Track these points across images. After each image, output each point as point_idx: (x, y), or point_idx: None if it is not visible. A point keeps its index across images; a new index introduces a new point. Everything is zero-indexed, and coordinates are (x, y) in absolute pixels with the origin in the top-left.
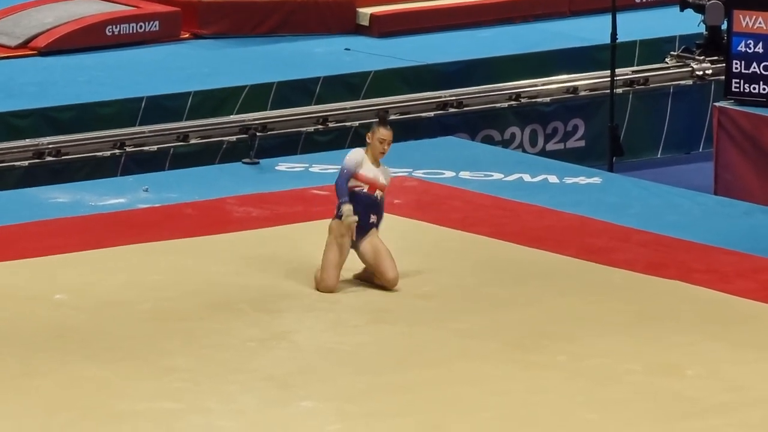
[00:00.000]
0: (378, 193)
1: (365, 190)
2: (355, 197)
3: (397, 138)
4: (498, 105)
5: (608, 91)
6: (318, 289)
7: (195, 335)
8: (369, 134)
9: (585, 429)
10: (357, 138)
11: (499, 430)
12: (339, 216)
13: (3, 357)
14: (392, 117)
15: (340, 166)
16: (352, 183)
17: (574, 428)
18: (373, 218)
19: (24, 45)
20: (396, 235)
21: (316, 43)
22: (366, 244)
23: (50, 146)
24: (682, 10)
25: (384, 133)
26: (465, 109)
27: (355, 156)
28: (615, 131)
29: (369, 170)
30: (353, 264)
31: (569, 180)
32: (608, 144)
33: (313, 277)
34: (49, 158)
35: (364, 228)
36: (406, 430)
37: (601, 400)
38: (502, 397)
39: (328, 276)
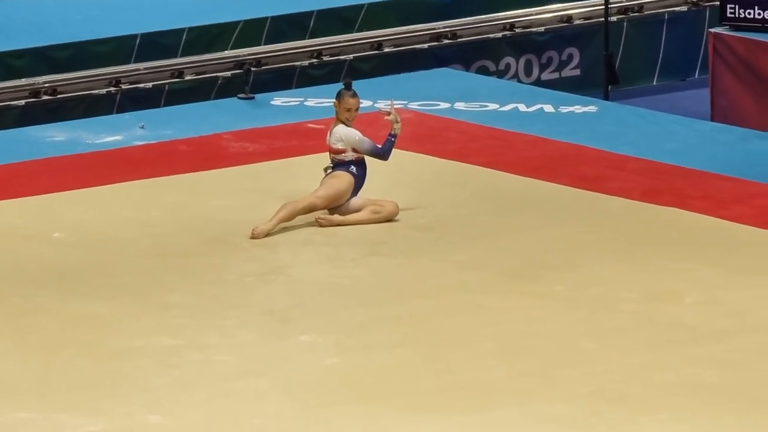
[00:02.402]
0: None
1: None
2: (361, 164)
3: (392, 71)
4: (492, 35)
5: (603, 19)
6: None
7: (193, 271)
8: (336, 102)
9: (584, 358)
10: (351, 71)
11: (498, 360)
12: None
13: (3, 295)
14: (386, 49)
15: (349, 136)
16: (355, 155)
17: (572, 357)
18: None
19: None
20: (392, 167)
21: None
22: (355, 198)
23: (46, 85)
24: None
25: (351, 102)
26: (459, 40)
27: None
28: (610, 59)
29: None
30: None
31: (565, 109)
32: (603, 72)
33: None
34: (45, 97)
35: (356, 191)
36: (405, 362)
37: (600, 328)
38: (501, 327)
39: (298, 206)
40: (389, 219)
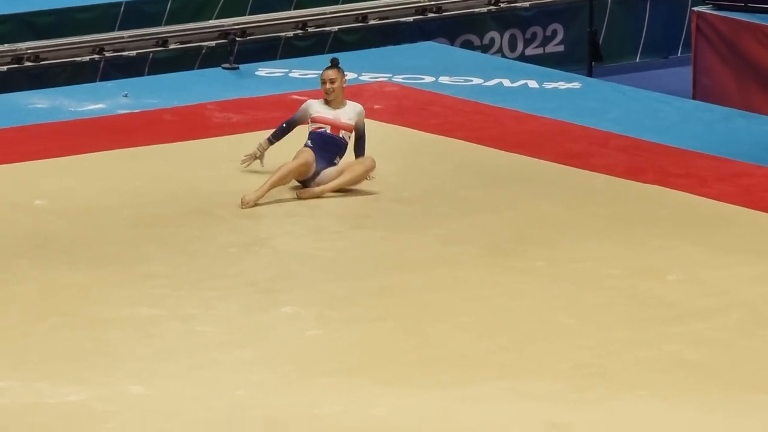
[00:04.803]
0: (343, 133)
1: (328, 131)
2: (314, 136)
3: (377, 43)
4: (477, 10)
5: None
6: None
7: (175, 241)
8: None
9: (565, 333)
10: (336, 43)
11: (479, 334)
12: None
13: None
14: (372, 22)
15: (318, 73)
16: (312, 126)
17: (553, 333)
18: (336, 159)
19: None
20: (376, 140)
21: None
22: (331, 169)
23: (29, 51)
24: None
25: (326, 73)
26: (444, 14)
27: (304, 105)
28: (594, 36)
29: (324, 111)
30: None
31: (549, 85)
32: (587, 49)
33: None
34: (27, 63)
35: (326, 166)
36: (386, 335)
37: (581, 304)
38: (482, 302)
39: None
40: (368, 172)
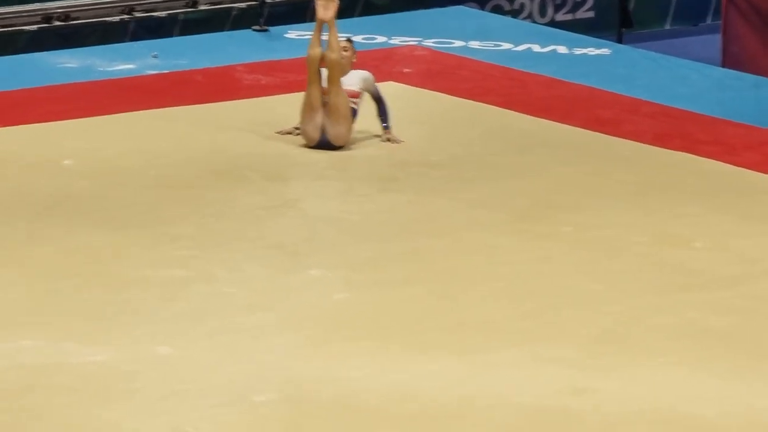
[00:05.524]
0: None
1: None
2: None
3: (407, 7)
4: None
5: None
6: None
7: (202, 202)
8: None
9: (591, 299)
10: (366, 7)
11: (505, 299)
12: None
13: (10, 222)
14: None
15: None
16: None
17: (579, 299)
18: None
19: None
20: (405, 103)
21: None
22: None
23: (59, 11)
24: None
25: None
26: None
27: None
28: (624, 2)
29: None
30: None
31: (578, 51)
32: (617, 15)
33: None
34: (57, 23)
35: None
36: (413, 299)
37: (607, 270)
38: (509, 267)
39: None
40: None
